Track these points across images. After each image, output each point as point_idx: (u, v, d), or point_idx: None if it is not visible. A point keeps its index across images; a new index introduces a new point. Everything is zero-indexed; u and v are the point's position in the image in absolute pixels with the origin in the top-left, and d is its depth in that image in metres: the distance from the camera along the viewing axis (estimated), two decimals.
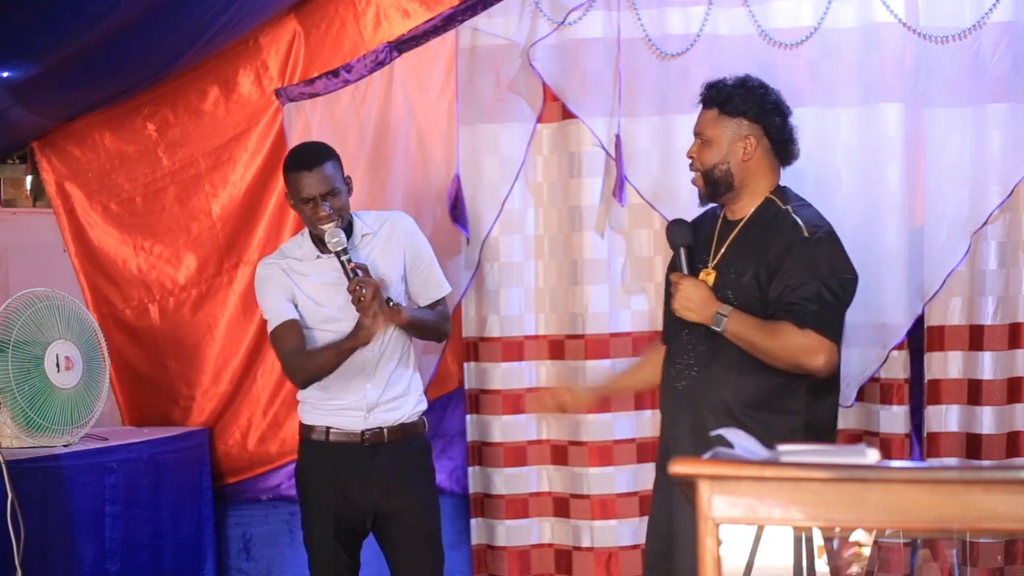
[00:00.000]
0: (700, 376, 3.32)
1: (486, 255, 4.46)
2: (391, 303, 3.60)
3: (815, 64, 4.22)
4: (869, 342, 4.21)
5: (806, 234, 3.27)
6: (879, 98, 4.16)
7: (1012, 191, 4.14)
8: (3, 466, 3.54)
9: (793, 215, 3.31)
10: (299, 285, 3.73)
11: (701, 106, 3.43)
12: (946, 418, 4.20)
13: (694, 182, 3.43)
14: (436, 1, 4.49)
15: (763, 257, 3.27)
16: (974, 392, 4.18)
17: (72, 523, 3.93)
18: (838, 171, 4.22)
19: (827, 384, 3.34)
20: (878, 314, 4.18)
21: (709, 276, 3.33)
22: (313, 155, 3.70)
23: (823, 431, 3.33)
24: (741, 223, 3.37)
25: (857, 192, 4.21)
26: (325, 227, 3.59)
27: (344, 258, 3.55)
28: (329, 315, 3.70)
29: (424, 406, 3.88)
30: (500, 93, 4.43)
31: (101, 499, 4.07)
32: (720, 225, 3.42)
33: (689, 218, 3.51)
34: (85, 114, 4.64)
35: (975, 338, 4.18)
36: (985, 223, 4.15)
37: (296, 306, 3.72)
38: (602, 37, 4.33)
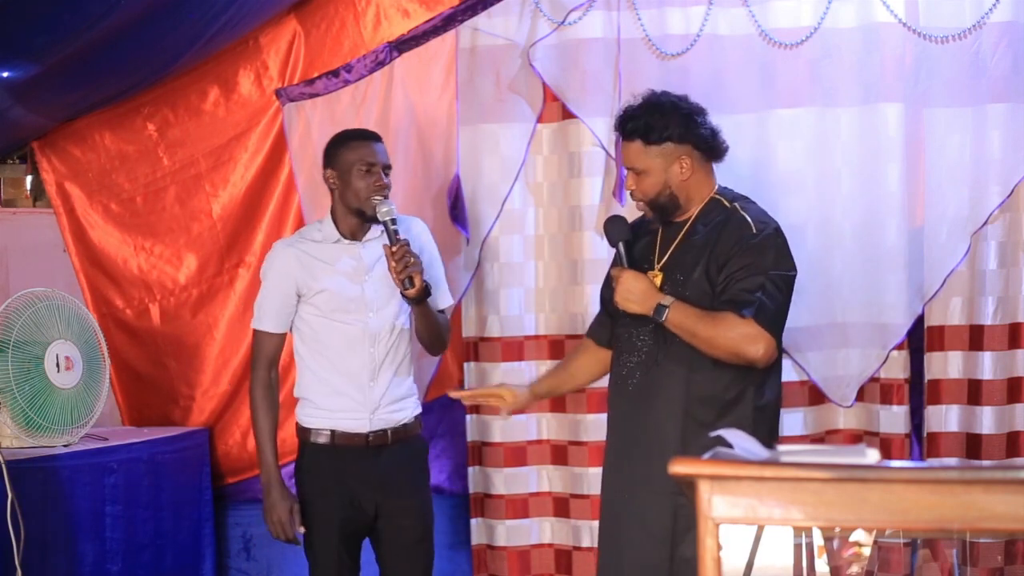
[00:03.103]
0: (650, 372, 3.34)
1: (486, 255, 4.46)
2: (427, 285, 3.63)
3: (815, 64, 4.22)
4: (869, 342, 4.21)
5: (754, 230, 3.31)
6: (879, 98, 4.16)
7: (1012, 191, 4.14)
8: (3, 466, 3.54)
9: (741, 212, 3.35)
10: (313, 273, 3.73)
11: (621, 138, 3.43)
12: (946, 418, 4.20)
13: (640, 209, 3.45)
14: (436, 1, 4.49)
15: (712, 252, 3.30)
16: (974, 392, 4.18)
17: (72, 523, 3.94)
18: (838, 171, 4.22)
19: (773, 383, 3.37)
20: (878, 314, 4.19)
21: (656, 278, 3.37)
22: (375, 133, 3.82)
23: (770, 430, 3.36)
24: (686, 224, 3.39)
25: (857, 192, 4.21)
26: (378, 199, 3.65)
27: (393, 228, 3.61)
28: (340, 305, 3.72)
29: (419, 408, 3.90)
30: (500, 93, 4.43)
31: (101, 499, 4.07)
32: (662, 229, 3.44)
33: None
34: (85, 114, 4.64)
35: (975, 338, 4.18)
36: (985, 223, 4.15)
37: (300, 297, 3.74)
38: (602, 37, 4.33)
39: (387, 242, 3.62)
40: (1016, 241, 4.17)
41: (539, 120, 4.44)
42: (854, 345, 4.23)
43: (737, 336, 3.21)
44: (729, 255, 3.27)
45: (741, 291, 3.23)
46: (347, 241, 3.75)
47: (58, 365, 4.05)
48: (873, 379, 4.24)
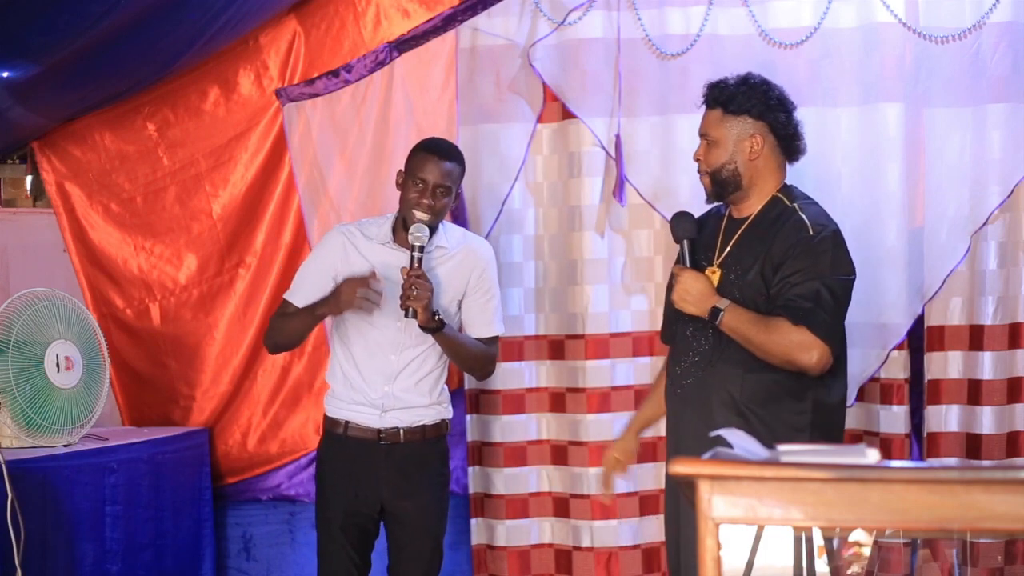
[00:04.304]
0: (706, 373, 3.33)
1: None
2: (436, 315, 3.60)
3: (815, 64, 4.22)
4: (869, 342, 4.20)
5: (811, 232, 3.28)
6: (879, 98, 4.16)
7: (1012, 191, 4.14)
8: (3, 466, 3.54)
9: (799, 213, 3.32)
10: (351, 267, 3.72)
11: (704, 107, 3.43)
12: (946, 418, 4.20)
13: (702, 182, 3.42)
14: (436, 1, 4.49)
15: (768, 254, 3.28)
16: (974, 392, 4.18)
17: (72, 523, 3.93)
18: (838, 171, 4.22)
19: (834, 384, 3.35)
20: (878, 314, 4.19)
21: (714, 274, 3.34)
22: (450, 151, 3.76)
23: (830, 431, 3.34)
24: (747, 221, 3.37)
25: (857, 192, 4.21)
26: (418, 215, 3.62)
27: (417, 255, 3.58)
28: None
29: (449, 414, 3.87)
30: (500, 93, 4.44)
31: (101, 499, 4.07)
32: (725, 223, 3.42)
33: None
34: (85, 114, 4.64)
35: (975, 338, 4.18)
36: (985, 223, 4.15)
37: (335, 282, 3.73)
38: (602, 37, 4.33)
39: (407, 266, 3.60)
40: (1016, 241, 4.17)
41: (539, 120, 4.44)
42: (854, 345, 4.19)
43: (790, 344, 3.19)
44: (785, 257, 3.25)
45: (796, 297, 3.21)
46: (394, 246, 3.73)
47: (58, 365, 4.05)
48: (873, 379, 4.24)
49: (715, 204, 3.47)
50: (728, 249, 3.37)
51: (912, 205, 4.20)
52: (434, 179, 3.65)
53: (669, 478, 3.49)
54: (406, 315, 3.56)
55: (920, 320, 4.22)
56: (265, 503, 4.69)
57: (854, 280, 3.32)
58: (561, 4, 4.35)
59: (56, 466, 3.91)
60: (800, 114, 4.18)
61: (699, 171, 3.41)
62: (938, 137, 4.17)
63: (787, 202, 3.36)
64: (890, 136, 4.16)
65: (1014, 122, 4.12)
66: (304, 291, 3.77)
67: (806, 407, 3.29)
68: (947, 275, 4.16)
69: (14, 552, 3.55)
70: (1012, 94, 4.12)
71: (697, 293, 3.28)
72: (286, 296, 3.83)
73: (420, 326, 3.60)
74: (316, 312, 3.69)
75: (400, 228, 3.73)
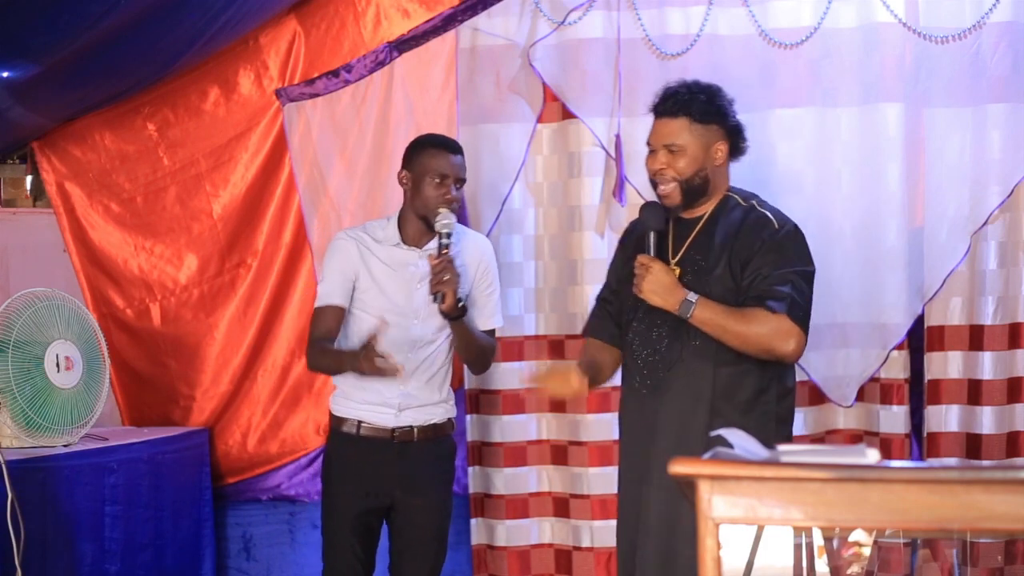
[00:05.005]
0: (674, 368, 3.32)
1: None
2: (460, 302, 3.64)
3: (815, 64, 4.22)
4: (869, 342, 4.21)
5: (776, 227, 3.30)
6: (879, 98, 4.17)
7: (1012, 191, 4.14)
8: (3, 466, 3.54)
9: (760, 209, 3.35)
10: (369, 269, 3.76)
11: (656, 116, 3.38)
12: (946, 418, 4.20)
13: (665, 193, 3.34)
14: (436, 1, 4.49)
15: (734, 249, 3.29)
16: (974, 392, 4.18)
17: (72, 523, 3.93)
18: (838, 171, 4.22)
19: (791, 373, 3.39)
20: (878, 314, 4.19)
21: (674, 272, 3.34)
22: (454, 144, 3.81)
23: (788, 418, 3.38)
24: (702, 220, 3.37)
25: (857, 192, 4.21)
26: (444, 210, 3.65)
27: (444, 241, 3.62)
28: (387, 307, 3.72)
29: (454, 412, 3.91)
30: (500, 93, 4.44)
31: (101, 499, 4.07)
32: (674, 224, 3.40)
33: None
34: (85, 114, 4.64)
35: (975, 338, 4.18)
36: (985, 223, 4.15)
37: (356, 285, 3.75)
38: (602, 37, 4.33)
39: (435, 253, 3.63)
40: (1016, 241, 4.17)
41: (539, 120, 4.44)
42: (854, 345, 4.23)
43: (769, 332, 3.21)
44: (752, 252, 3.27)
45: (771, 287, 3.23)
46: (406, 247, 3.76)
47: (58, 365, 4.04)
48: (873, 379, 4.24)
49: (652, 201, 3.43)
50: (684, 249, 3.36)
51: (912, 205, 4.20)
52: (453, 173, 3.72)
53: (624, 481, 3.48)
54: (434, 300, 3.60)
55: (920, 320, 4.22)
56: (265, 503, 4.69)
57: (814, 273, 3.35)
58: (561, 4, 4.35)
59: (56, 466, 3.91)
60: (800, 114, 4.23)
61: (664, 180, 3.33)
62: (938, 137, 4.17)
63: (742, 200, 3.37)
64: (890, 136, 4.16)
65: (1014, 122, 4.12)
66: (336, 294, 3.77)
67: (771, 397, 3.32)
68: (947, 275, 4.17)
69: (14, 552, 3.55)
70: (1012, 94, 4.12)
71: (667, 286, 3.27)
72: (320, 304, 3.80)
73: (444, 312, 3.64)
74: (343, 364, 3.69)
75: (407, 228, 3.77)
